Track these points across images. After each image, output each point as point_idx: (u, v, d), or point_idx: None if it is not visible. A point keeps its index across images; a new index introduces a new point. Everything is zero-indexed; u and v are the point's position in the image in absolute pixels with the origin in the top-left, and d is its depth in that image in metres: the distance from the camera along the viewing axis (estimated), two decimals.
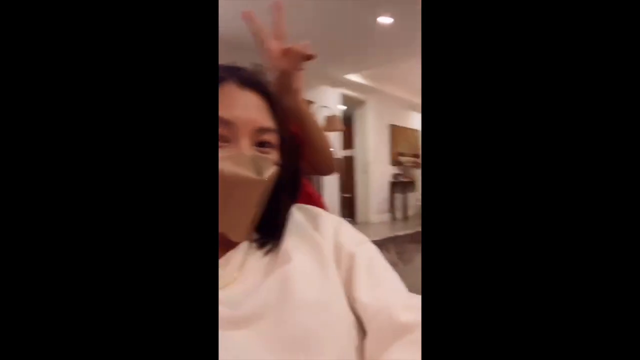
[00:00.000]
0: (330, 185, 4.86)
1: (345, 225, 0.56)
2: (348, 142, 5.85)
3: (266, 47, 0.66)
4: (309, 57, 0.65)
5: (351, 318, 0.45)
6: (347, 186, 5.90)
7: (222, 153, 0.46)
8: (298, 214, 0.57)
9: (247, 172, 0.46)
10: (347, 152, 5.87)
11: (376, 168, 6.02)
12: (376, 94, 5.97)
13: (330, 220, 0.55)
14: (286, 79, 0.67)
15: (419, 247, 0.89)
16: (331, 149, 0.80)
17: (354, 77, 5.38)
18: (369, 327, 0.44)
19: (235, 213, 0.48)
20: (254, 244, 0.51)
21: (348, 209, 5.87)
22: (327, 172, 0.79)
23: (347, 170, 5.95)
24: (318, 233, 0.52)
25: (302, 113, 0.70)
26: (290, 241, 0.51)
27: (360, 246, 0.52)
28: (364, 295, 0.45)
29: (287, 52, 0.65)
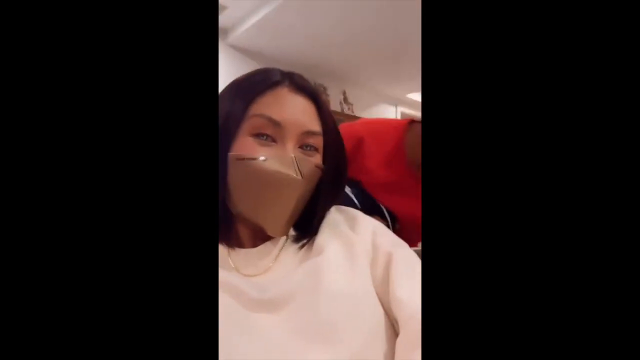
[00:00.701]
0: None
1: (383, 228, 0.57)
2: None
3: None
4: None
5: (379, 315, 0.46)
6: None
7: (268, 152, 0.49)
8: (336, 214, 0.59)
9: (288, 171, 0.49)
10: None
11: None
12: None
13: (368, 222, 0.57)
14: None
15: None
16: None
17: (415, 96, 5.34)
18: (405, 326, 0.44)
19: (274, 209, 0.50)
20: (290, 238, 0.54)
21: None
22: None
23: None
24: (354, 233, 0.54)
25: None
26: (324, 236, 0.53)
27: (397, 247, 0.52)
28: (403, 294, 0.45)
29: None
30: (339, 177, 0.59)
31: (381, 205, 0.94)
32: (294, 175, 0.49)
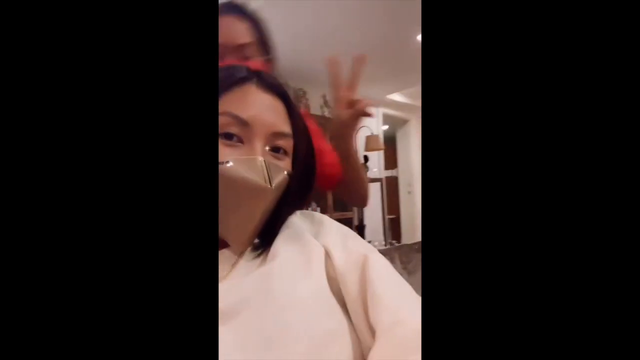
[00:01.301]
0: (374, 208, 4.80)
1: (353, 233, 0.53)
2: (391, 162, 5.76)
3: (336, 94, 0.74)
4: (368, 115, 0.72)
5: (336, 321, 0.42)
6: (392, 207, 5.79)
7: (234, 153, 0.45)
8: (300, 219, 0.54)
9: (257, 179, 0.44)
10: (390, 173, 5.78)
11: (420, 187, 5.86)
12: (419, 112, 5.88)
13: (337, 227, 0.53)
14: (344, 127, 0.74)
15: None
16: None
17: (396, 97, 5.34)
18: (383, 336, 0.39)
19: (238, 219, 0.46)
20: (250, 246, 0.49)
21: (393, 231, 5.75)
22: (361, 205, 0.88)
23: (391, 191, 5.85)
24: (319, 237, 0.50)
25: (351, 157, 0.79)
26: (280, 242, 0.48)
27: (371, 252, 0.48)
28: (389, 299, 0.41)
29: (352, 104, 0.73)
30: (307, 183, 0.55)
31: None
32: (263, 183, 0.45)
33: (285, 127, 0.49)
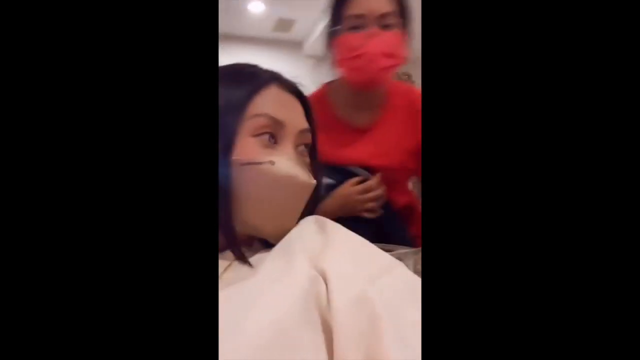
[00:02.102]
0: None
1: (370, 250, 0.43)
2: None
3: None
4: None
5: (315, 344, 0.33)
6: None
7: (273, 153, 0.46)
8: (308, 227, 0.46)
9: (301, 175, 0.46)
10: None
11: None
12: None
13: (347, 245, 0.43)
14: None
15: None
16: None
17: None
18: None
19: (283, 216, 0.46)
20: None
21: None
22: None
23: None
24: (321, 257, 0.39)
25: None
26: (269, 258, 0.41)
27: (383, 278, 0.38)
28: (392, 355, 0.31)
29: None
30: (319, 178, 0.53)
31: (350, 168, 0.92)
32: (308, 178, 0.47)
33: (307, 125, 0.51)
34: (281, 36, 3.28)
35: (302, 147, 0.50)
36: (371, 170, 0.91)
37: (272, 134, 0.47)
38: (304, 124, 0.50)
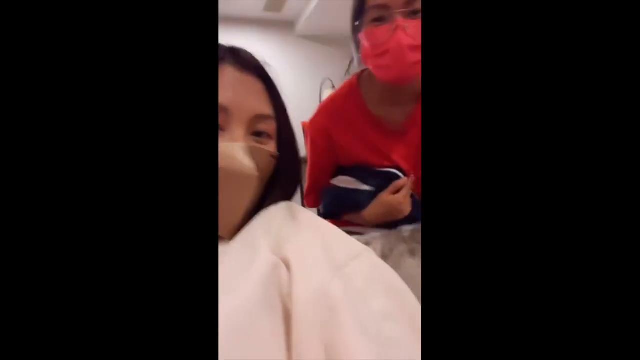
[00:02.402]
0: None
1: (339, 238, 0.41)
2: None
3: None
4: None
5: (275, 336, 0.32)
6: None
7: None
8: (276, 213, 0.44)
9: (241, 166, 0.41)
10: None
11: None
12: None
13: (315, 232, 0.41)
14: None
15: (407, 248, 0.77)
16: None
17: None
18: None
19: (225, 209, 0.41)
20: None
21: None
22: None
23: None
24: (286, 243, 0.38)
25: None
26: (232, 245, 0.40)
27: (349, 266, 0.37)
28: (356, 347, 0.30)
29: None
30: (294, 166, 0.50)
31: (389, 170, 0.86)
32: (248, 170, 0.42)
33: (267, 109, 0.46)
34: (272, 16, 3.19)
35: (263, 135, 0.46)
36: (407, 172, 0.86)
37: None
38: (261, 109, 0.45)
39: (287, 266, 0.36)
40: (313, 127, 0.94)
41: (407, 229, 0.77)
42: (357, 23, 0.80)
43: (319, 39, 3.34)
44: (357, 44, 0.83)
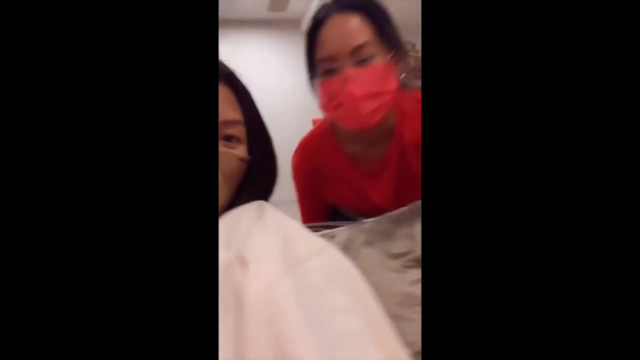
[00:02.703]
0: None
1: (299, 234, 0.41)
2: None
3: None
4: None
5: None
6: None
7: None
8: (241, 213, 0.44)
9: None
10: None
11: None
12: None
13: (277, 228, 0.41)
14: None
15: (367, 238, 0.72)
16: None
17: None
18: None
19: None
20: None
21: None
22: None
23: None
24: (248, 240, 0.38)
25: None
26: None
27: (309, 262, 0.37)
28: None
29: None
30: (268, 169, 0.52)
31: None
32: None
33: (235, 115, 0.48)
34: (277, 15, 3.19)
35: (232, 139, 0.48)
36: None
37: None
38: (228, 115, 0.47)
39: (245, 263, 0.36)
40: (293, 166, 0.94)
41: (368, 221, 0.76)
42: (309, 76, 0.79)
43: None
44: (316, 96, 0.81)
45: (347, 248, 0.67)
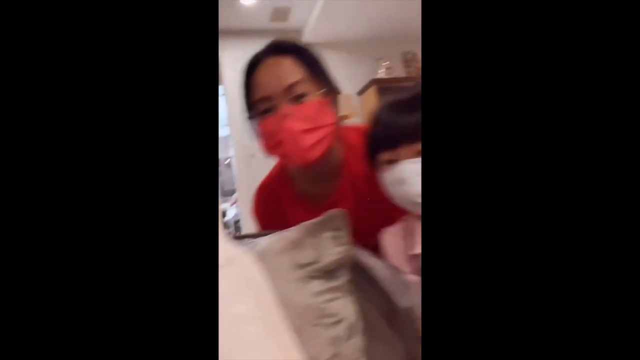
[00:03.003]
0: None
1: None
2: None
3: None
4: None
5: None
6: None
7: None
8: None
9: None
10: None
11: None
12: None
13: None
14: None
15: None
16: None
17: None
18: None
19: None
20: None
21: None
22: None
23: None
24: None
25: None
26: None
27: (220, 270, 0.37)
28: None
29: None
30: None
31: None
32: None
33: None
34: (280, 25, 3.22)
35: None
36: None
37: None
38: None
39: None
40: (253, 210, 0.96)
41: (286, 230, 0.75)
42: (248, 117, 0.81)
43: (327, 44, 3.35)
44: (256, 136, 0.82)
45: (262, 257, 0.66)
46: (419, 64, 3.48)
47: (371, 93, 3.10)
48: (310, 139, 0.74)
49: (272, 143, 0.77)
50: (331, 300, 0.55)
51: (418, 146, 0.64)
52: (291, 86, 0.75)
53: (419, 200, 0.64)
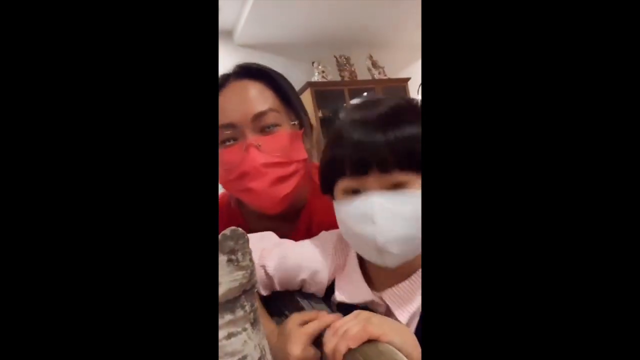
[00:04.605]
0: None
1: None
2: None
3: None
4: None
5: None
6: None
7: None
8: None
9: None
10: None
11: None
12: None
13: None
14: None
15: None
16: None
17: None
18: None
19: None
20: None
21: None
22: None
23: None
24: None
25: None
26: None
27: None
28: None
29: None
30: None
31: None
32: None
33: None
34: None
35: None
36: None
37: None
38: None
39: None
40: None
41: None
42: None
43: (260, 47, 3.27)
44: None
45: None
46: (353, 67, 3.49)
47: (307, 96, 3.07)
48: (275, 172, 0.66)
49: (233, 175, 0.67)
50: (230, 336, 0.47)
51: (393, 177, 0.50)
52: (260, 115, 0.66)
53: (388, 247, 0.50)
